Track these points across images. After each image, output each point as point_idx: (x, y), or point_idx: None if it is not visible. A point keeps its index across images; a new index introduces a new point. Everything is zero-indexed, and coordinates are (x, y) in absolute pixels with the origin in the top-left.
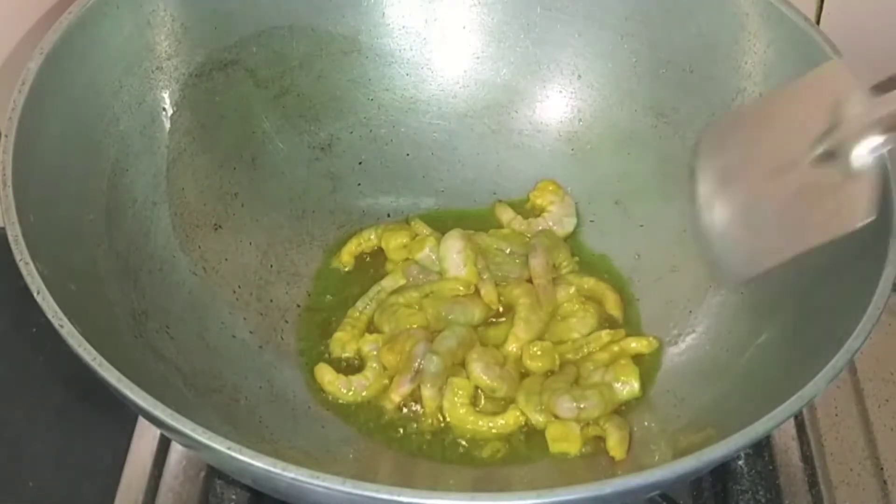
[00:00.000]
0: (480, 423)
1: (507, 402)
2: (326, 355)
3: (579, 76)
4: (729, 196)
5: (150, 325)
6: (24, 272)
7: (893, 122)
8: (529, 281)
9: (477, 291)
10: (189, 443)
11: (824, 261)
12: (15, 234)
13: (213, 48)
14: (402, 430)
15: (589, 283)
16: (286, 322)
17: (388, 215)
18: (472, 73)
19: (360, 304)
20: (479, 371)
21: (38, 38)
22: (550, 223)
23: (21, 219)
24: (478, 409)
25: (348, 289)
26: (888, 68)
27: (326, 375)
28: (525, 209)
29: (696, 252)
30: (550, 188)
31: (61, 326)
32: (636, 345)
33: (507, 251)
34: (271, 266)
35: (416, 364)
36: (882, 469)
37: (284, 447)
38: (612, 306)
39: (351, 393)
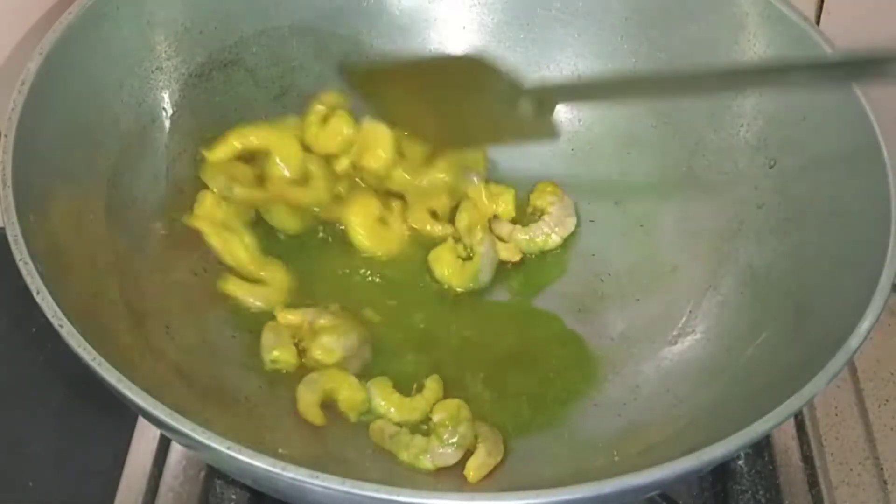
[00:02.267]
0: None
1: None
2: None
3: (579, 76)
4: None
5: (150, 325)
6: (23, 272)
7: None
8: None
9: None
10: (189, 443)
11: (824, 261)
12: (15, 234)
13: (213, 48)
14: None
15: None
16: None
17: None
18: None
19: None
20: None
21: (38, 38)
22: (551, 224)
23: (21, 219)
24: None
25: None
26: None
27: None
28: (525, 210)
29: (696, 252)
30: (549, 189)
31: (61, 326)
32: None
33: None
34: None
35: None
36: (882, 469)
37: (284, 447)
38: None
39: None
